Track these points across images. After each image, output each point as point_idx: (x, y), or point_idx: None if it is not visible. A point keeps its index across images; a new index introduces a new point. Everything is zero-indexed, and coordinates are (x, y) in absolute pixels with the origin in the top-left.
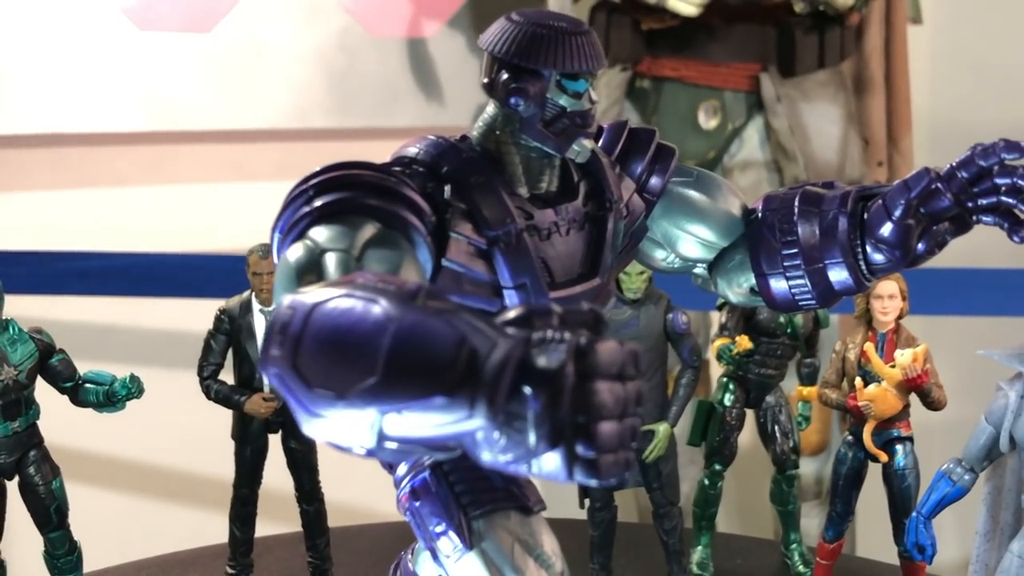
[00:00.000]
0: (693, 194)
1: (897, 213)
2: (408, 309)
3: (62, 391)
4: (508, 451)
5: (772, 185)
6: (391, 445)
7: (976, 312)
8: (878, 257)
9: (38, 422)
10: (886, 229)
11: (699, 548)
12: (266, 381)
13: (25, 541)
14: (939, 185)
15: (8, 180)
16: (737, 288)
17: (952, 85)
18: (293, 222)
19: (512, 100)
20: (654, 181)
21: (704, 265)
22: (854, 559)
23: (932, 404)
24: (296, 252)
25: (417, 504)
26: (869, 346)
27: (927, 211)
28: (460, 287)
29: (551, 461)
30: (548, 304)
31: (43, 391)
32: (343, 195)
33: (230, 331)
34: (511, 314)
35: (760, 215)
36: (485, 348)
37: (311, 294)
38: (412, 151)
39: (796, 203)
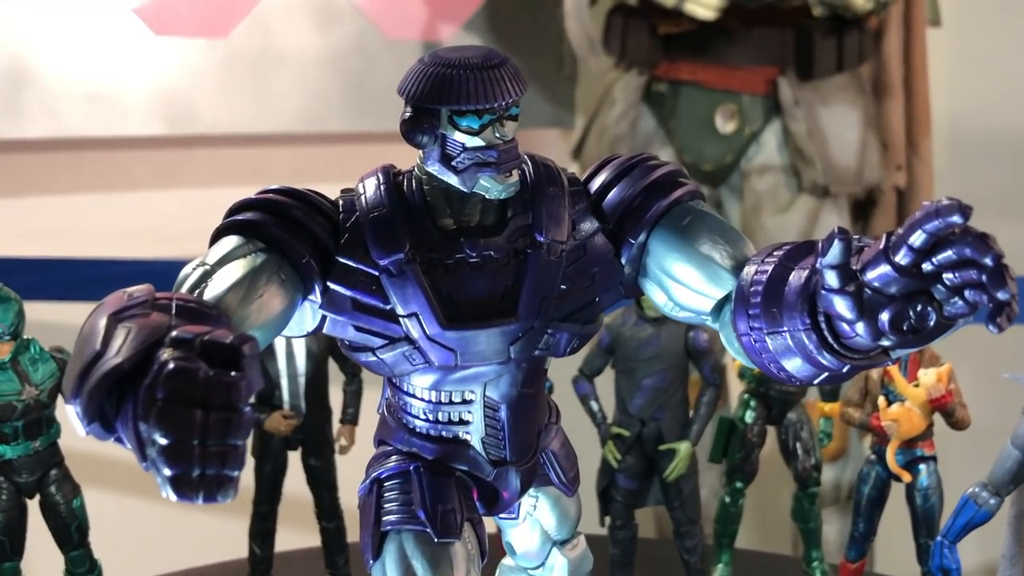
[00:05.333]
0: (683, 236)
1: (828, 282)
2: (110, 320)
3: None
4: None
5: (790, 189)
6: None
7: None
8: (856, 335)
9: (59, 441)
10: (829, 300)
11: (720, 565)
12: (285, 398)
13: (46, 559)
14: (887, 252)
15: (25, 185)
16: (732, 346)
17: (971, 88)
18: (212, 235)
19: (408, 136)
20: (640, 217)
21: (709, 317)
22: None
23: (956, 424)
24: (191, 263)
25: (358, 510)
26: (892, 366)
27: (873, 282)
28: (344, 308)
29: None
30: (197, 332)
31: (63, 408)
32: (246, 216)
33: None
34: (173, 335)
35: (745, 269)
36: (107, 359)
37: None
38: (358, 183)
39: (777, 258)
